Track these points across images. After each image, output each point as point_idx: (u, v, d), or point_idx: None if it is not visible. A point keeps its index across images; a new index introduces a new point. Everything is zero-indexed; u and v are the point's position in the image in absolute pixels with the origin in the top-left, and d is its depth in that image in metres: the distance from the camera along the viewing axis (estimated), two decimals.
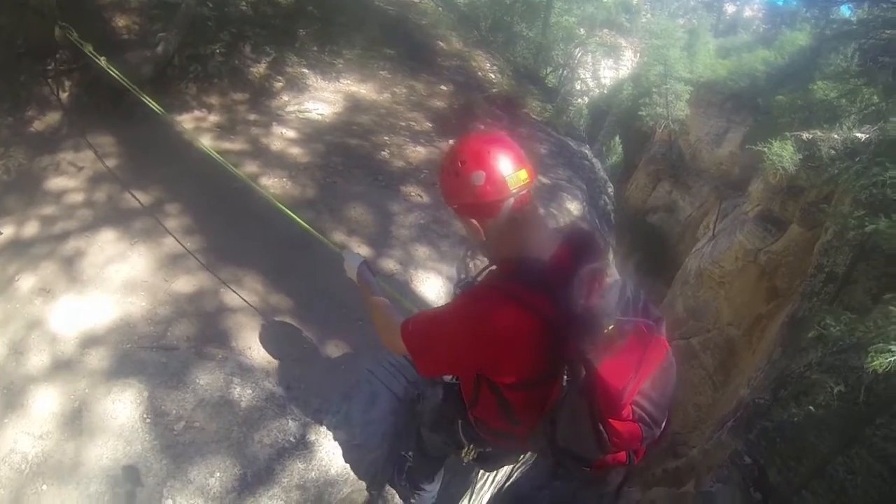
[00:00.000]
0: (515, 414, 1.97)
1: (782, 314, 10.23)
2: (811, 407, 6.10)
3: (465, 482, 4.42)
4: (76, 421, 2.85)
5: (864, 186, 5.48)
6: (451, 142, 6.05)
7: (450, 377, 2.54)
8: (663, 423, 1.78)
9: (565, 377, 1.71)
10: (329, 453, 2.96)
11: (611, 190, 7.85)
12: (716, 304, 12.69)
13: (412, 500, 3.38)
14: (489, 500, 5.83)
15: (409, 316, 2.22)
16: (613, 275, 1.86)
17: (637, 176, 20.00)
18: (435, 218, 4.73)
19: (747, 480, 7.74)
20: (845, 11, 9.93)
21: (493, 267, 2.02)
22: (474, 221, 1.93)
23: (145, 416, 2.87)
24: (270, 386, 3.09)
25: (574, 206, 5.74)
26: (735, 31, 27.60)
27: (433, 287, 4.08)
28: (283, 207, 3.38)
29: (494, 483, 5.92)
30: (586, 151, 7.77)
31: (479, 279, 2.04)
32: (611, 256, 6.49)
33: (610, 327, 1.68)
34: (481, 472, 4.75)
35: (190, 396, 2.96)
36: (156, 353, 3.14)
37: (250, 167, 4.77)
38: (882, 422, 5.80)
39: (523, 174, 1.88)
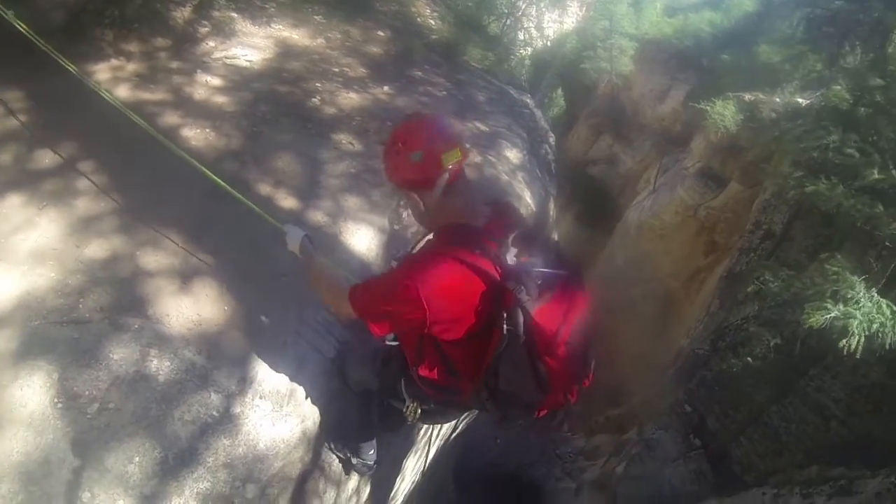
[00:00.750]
0: (457, 369, 2.15)
1: (720, 268, 10.60)
2: (749, 358, 6.38)
3: (407, 441, 4.38)
4: None
5: (805, 149, 5.65)
6: (385, 88, 5.90)
7: (391, 337, 2.56)
8: (591, 364, 2.08)
9: (505, 326, 1.91)
10: (256, 426, 2.82)
11: (552, 139, 7.79)
12: (655, 257, 13.04)
13: (353, 463, 3.40)
14: (436, 452, 5.89)
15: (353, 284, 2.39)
16: (540, 233, 2.13)
17: (578, 128, 20.11)
18: (367, 167, 4.53)
19: (687, 427, 8.10)
20: None
21: (430, 236, 2.24)
22: (415, 195, 2.15)
23: (56, 400, 2.64)
24: (190, 355, 2.82)
25: (513, 154, 5.65)
26: None
27: (364, 239, 3.91)
28: (215, 177, 3.17)
29: (440, 436, 5.97)
30: (527, 101, 7.67)
31: (418, 248, 2.26)
32: (551, 206, 6.51)
33: (539, 281, 1.95)
34: (424, 428, 4.79)
35: (104, 374, 2.73)
36: (66, 329, 2.87)
37: (171, 118, 4.45)
38: (815, 373, 6.14)
39: (456, 152, 2.09)
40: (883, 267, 4.69)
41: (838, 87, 6.01)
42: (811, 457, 6.04)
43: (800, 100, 8.62)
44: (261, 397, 2.91)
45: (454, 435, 6.57)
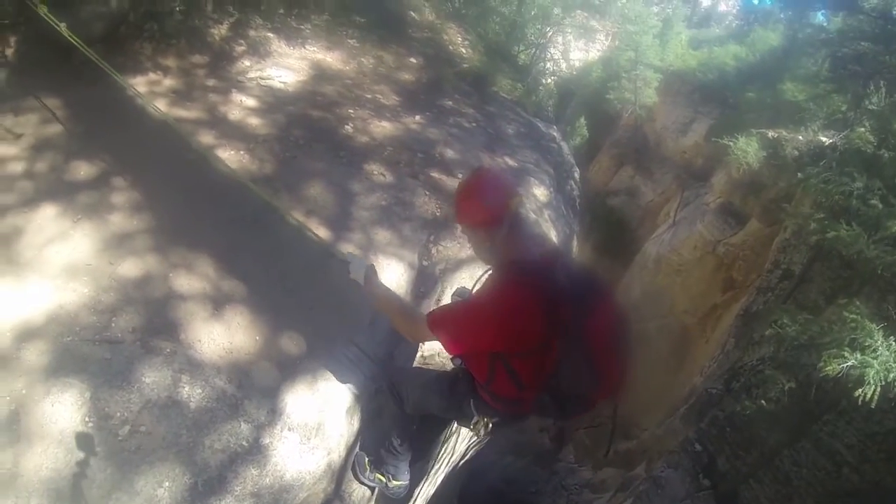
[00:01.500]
0: (524, 382, 2.54)
1: (737, 306, 10.42)
2: (763, 401, 6.22)
3: (423, 468, 4.35)
4: (13, 426, 2.57)
5: (830, 193, 5.55)
6: (417, 118, 5.90)
7: (459, 362, 2.86)
8: (628, 361, 2.57)
9: (563, 338, 2.36)
10: (284, 457, 2.82)
11: (577, 174, 7.78)
12: (672, 291, 12.86)
13: (390, 487, 3.51)
14: (444, 477, 5.84)
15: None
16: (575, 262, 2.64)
17: (600, 158, 20.04)
18: (398, 199, 4.55)
19: (697, 467, 7.93)
20: (820, 17, 10.01)
21: (491, 271, 2.63)
22: (483, 233, 2.53)
23: (87, 419, 2.64)
24: (222, 384, 2.88)
25: (541, 192, 5.64)
26: (708, 24, 27.86)
27: (394, 274, 3.93)
28: (288, 214, 3.29)
29: (449, 464, 5.93)
30: (554, 134, 7.66)
31: (482, 282, 2.64)
32: (574, 243, 6.46)
33: (585, 296, 2.38)
34: (439, 454, 4.82)
35: (136, 397, 2.74)
36: (99, 348, 2.88)
37: (206, 137, 4.48)
38: (829, 419, 5.93)
39: (518, 199, 2.55)
40: None
41: (862, 129, 5.92)
42: (821, 503, 5.90)
43: (823, 138, 8.50)
44: (289, 429, 2.95)
45: (462, 462, 6.51)
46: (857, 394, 4.11)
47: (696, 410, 8.67)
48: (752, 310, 9.09)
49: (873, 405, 4.09)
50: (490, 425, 2.89)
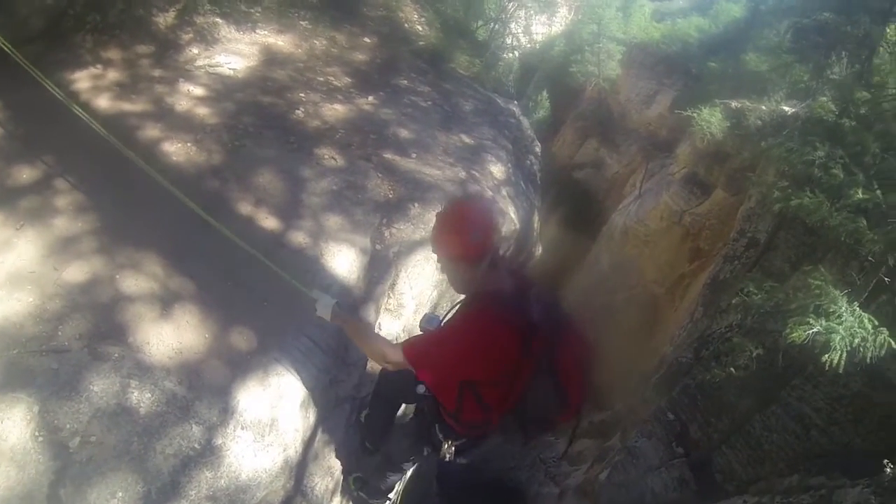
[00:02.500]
0: (492, 406, 2.70)
1: (704, 275, 10.59)
2: (732, 369, 6.35)
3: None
4: None
5: (792, 162, 5.65)
6: (370, 98, 5.78)
7: (423, 390, 3.03)
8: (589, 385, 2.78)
9: (534, 367, 2.51)
10: (238, 457, 2.83)
11: (538, 148, 7.77)
12: (640, 262, 13.02)
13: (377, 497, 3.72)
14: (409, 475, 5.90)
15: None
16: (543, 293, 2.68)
17: (565, 132, 20.08)
18: (349, 183, 4.45)
19: (670, 435, 8.09)
20: None
21: (464, 297, 2.79)
22: (462, 266, 2.64)
23: (37, 433, 2.59)
24: (171, 386, 2.86)
25: (497, 169, 5.60)
26: None
27: (345, 260, 3.87)
28: (235, 237, 3.21)
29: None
30: (514, 108, 7.63)
31: (454, 310, 2.75)
32: (535, 218, 6.44)
33: (553, 327, 2.56)
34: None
35: (85, 407, 2.70)
36: (46, 358, 2.82)
37: (152, 131, 4.34)
38: (797, 383, 6.12)
39: (500, 232, 2.55)
40: (865, 281, 4.71)
41: (824, 99, 6.01)
42: (792, 465, 6.07)
43: (786, 108, 8.63)
44: (242, 428, 2.95)
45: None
46: (823, 359, 4.23)
47: (667, 380, 8.82)
48: (720, 278, 9.25)
49: (840, 370, 4.23)
50: (454, 448, 3.02)
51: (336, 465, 3.64)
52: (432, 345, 2.66)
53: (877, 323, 4.29)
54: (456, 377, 2.71)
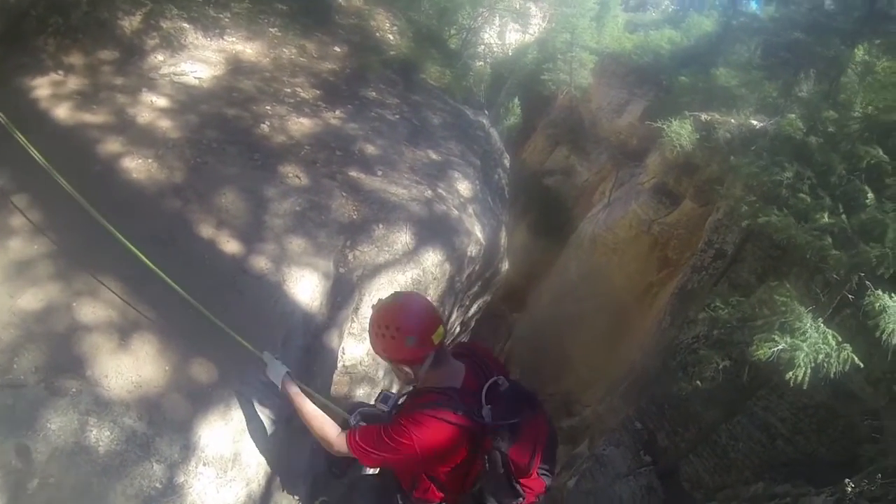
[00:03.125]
0: (447, 487, 2.61)
1: (672, 283, 10.74)
2: (699, 382, 6.43)
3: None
4: None
5: (760, 180, 5.75)
6: (337, 112, 5.51)
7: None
8: (555, 470, 2.56)
9: (486, 461, 2.40)
10: (200, 494, 2.66)
11: (507, 161, 7.66)
12: (608, 270, 13.16)
13: None
14: None
15: (342, 420, 2.81)
16: (502, 380, 2.52)
17: (535, 138, 20.28)
18: (313, 203, 4.24)
19: (638, 444, 8.19)
20: (754, 6, 10.32)
21: (412, 388, 2.66)
22: (406, 368, 2.49)
23: None
24: (131, 422, 2.60)
25: (464, 187, 5.43)
26: (645, 8, 28.71)
27: (307, 287, 3.66)
28: (188, 296, 3.04)
29: None
30: (483, 121, 7.50)
31: (402, 400, 2.69)
32: (503, 235, 6.38)
33: (510, 422, 2.37)
34: None
35: (42, 446, 2.48)
36: (1, 394, 2.62)
37: (112, 145, 4.05)
38: (762, 394, 6.30)
39: (441, 330, 2.47)
40: (829, 298, 4.78)
41: (792, 116, 6.12)
42: (758, 473, 6.21)
43: (755, 122, 8.79)
44: (204, 464, 2.77)
45: None
46: (787, 376, 4.28)
47: (635, 389, 8.92)
48: (687, 288, 9.39)
49: (804, 387, 4.29)
50: None
51: (302, 493, 3.54)
52: (378, 441, 2.50)
53: (840, 339, 4.35)
54: (406, 471, 2.71)
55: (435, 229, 4.68)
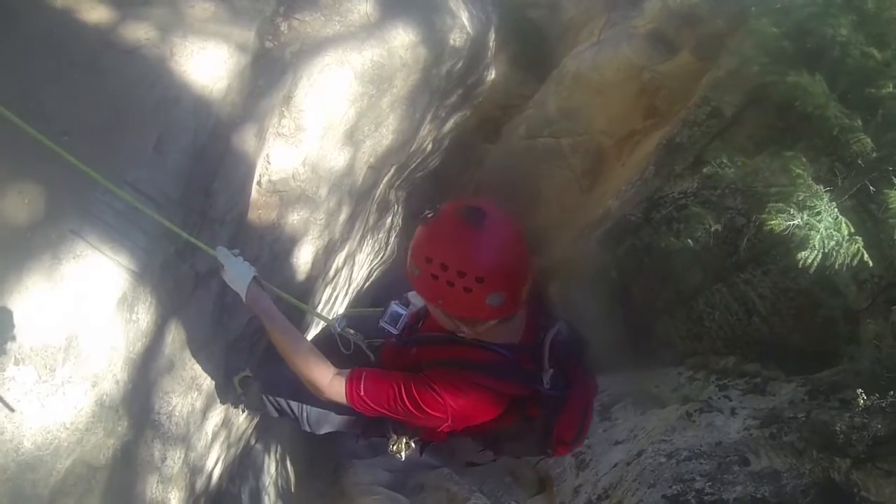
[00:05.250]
0: (460, 435, 2.18)
1: (658, 134, 10.60)
2: (689, 240, 6.44)
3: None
4: None
5: (776, 36, 5.39)
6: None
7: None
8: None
9: (521, 424, 2.00)
10: (12, 419, 1.77)
11: None
12: (589, 111, 12.86)
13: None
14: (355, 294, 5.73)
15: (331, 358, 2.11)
16: (562, 327, 2.01)
17: None
18: None
19: (611, 294, 8.47)
20: None
21: (455, 334, 1.97)
22: (463, 326, 1.87)
23: None
24: None
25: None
26: None
27: (207, 64, 2.52)
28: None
29: (355, 288, 5.79)
30: None
31: (424, 336, 2.07)
32: (491, 37, 5.69)
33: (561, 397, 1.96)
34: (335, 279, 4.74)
35: None
36: None
37: None
38: (750, 269, 6.39)
39: (529, 283, 1.82)
40: (850, 184, 4.72)
41: None
42: (730, 347, 6.48)
43: None
44: (19, 362, 1.80)
45: (368, 283, 6.36)
46: (799, 256, 4.29)
47: (613, 236, 9.02)
48: (676, 141, 9.26)
49: (811, 271, 4.32)
50: (410, 446, 2.36)
51: (203, 373, 2.66)
52: (391, 406, 1.93)
53: (853, 230, 4.33)
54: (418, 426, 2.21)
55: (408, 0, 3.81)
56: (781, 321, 6.08)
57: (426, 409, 1.89)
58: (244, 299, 2.19)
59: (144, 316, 2.19)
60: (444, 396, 1.87)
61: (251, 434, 3.50)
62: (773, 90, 6.00)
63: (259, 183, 3.01)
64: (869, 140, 4.34)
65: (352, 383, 1.96)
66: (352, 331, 2.39)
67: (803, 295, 5.85)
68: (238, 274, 2.20)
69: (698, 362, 6.63)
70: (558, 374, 1.95)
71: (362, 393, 1.95)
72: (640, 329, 7.57)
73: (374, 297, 7.62)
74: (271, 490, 3.92)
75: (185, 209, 2.38)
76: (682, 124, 9.07)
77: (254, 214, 2.94)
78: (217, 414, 2.87)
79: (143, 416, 2.30)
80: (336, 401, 2.03)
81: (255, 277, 2.21)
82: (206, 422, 2.79)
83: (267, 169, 3.02)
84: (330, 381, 2.01)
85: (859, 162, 4.60)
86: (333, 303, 5.00)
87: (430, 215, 1.78)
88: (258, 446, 3.72)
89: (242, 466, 3.51)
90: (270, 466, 4.02)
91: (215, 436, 2.94)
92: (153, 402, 2.37)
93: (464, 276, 1.65)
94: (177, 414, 2.49)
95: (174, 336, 2.44)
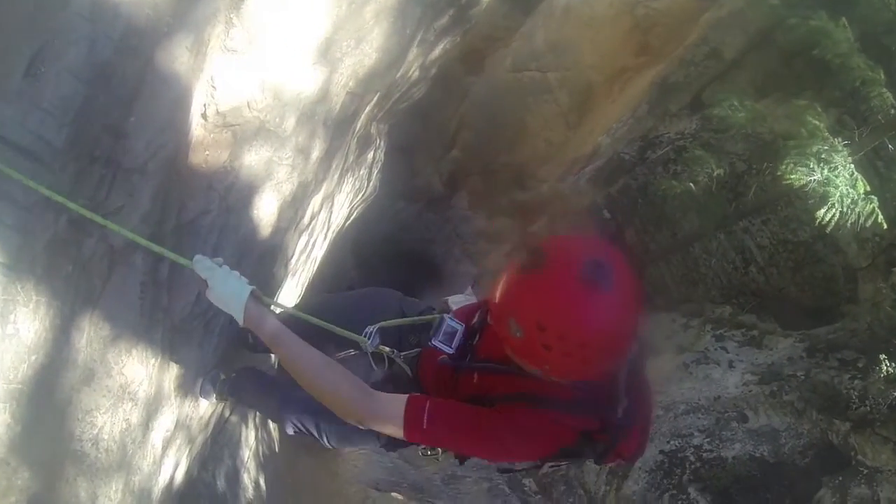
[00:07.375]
0: None
1: (651, 72, 10.44)
2: (692, 184, 6.37)
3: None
4: None
5: None
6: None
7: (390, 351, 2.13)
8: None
9: (581, 445, 1.77)
10: None
11: None
12: (579, 45, 12.59)
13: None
14: (334, 236, 5.46)
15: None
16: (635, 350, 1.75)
17: None
18: None
19: (604, 234, 8.42)
20: None
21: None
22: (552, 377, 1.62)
23: None
24: None
25: None
26: None
27: None
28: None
29: (333, 230, 5.48)
30: None
31: (481, 363, 1.85)
32: None
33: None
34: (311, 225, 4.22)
35: None
36: None
37: None
38: (750, 217, 6.33)
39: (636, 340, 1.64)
40: (868, 140, 4.63)
41: None
42: (726, 295, 6.48)
43: None
44: None
45: (350, 221, 6.07)
46: (818, 214, 4.26)
47: (605, 174, 8.90)
48: (670, 80, 9.12)
49: (829, 230, 4.27)
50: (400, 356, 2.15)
51: (139, 377, 2.09)
52: (473, 440, 1.74)
53: (868, 189, 4.27)
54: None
55: None
56: (779, 273, 6.09)
57: (511, 445, 1.71)
58: (241, 323, 1.72)
59: (29, 323, 1.54)
60: (530, 434, 1.70)
61: (223, 409, 3.05)
62: (782, 35, 5.84)
63: (204, 115, 2.26)
64: (891, 95, 4.26)
65: (411, 414, 1.67)
66: (387, 348, 2.13)
67: (802, 248, 5.82)
68: (229, 292, 1.70)
69: (693, 309, 6.65)
70: (633, 406, 1.73)
71: (426, 426, 1.67)
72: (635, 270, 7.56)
73: (355, 238, 7.32)
74: (251, 464, 3.31)
75: (83, 159, 1.66)
76: (678, 63, 8.90)
77: (198, 157, 2.28)
78: (166, 418, 2.34)
79: (53, 453, 1.74)
80: (380, 431, 1.80)
81: (252, 293, 1.73)
82: (151, 433, 2.24)
83: (212, 96, 2.24)
84: (373, 411, 1.69)
85: (879, 118, 4.50)
86: (311, 250, 4.42)
87: (536, 260, 1.52)
88: (233, 418, 3.21)
89: (217, 446, 3.08)
90: (249, 436, 3.41)
91: (168, 443, 2.42)
92: (69, 429, 1.79)
93: (585, 348, 1.46)
94: (106, 437, 1.91)
95: (89, 337, 1.82)
